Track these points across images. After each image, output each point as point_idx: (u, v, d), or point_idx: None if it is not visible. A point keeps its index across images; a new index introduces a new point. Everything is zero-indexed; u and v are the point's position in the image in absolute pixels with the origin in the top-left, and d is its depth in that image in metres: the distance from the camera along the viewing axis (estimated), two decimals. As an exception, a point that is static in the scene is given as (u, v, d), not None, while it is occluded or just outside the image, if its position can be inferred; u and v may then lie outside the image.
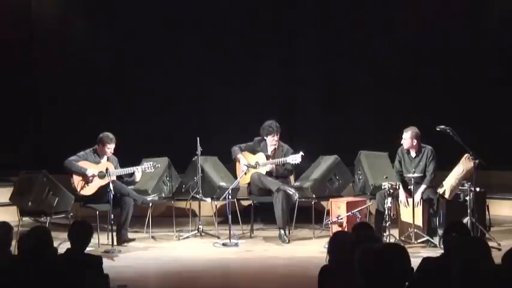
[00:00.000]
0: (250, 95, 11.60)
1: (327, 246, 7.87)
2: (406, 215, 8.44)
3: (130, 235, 8.87)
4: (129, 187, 8.98)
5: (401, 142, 8.57)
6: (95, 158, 8.85)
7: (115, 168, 8.84)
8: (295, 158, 8.91)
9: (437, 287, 4.30)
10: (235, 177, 9.25)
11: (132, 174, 8.93)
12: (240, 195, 9.67)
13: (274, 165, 9.08)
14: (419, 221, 8.35)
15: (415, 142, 8.50)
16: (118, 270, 7.15)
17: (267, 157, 9.21)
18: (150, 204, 9.16)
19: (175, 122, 11.57)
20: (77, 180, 8.73)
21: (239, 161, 9.22)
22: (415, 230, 8.25)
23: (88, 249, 5.86)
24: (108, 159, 8.89)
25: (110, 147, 8.82)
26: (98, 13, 11.82)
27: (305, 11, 11.93)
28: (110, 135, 8.85)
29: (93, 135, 9.02)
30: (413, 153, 8.59)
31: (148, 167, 8.91)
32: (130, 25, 11.74)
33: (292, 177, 9.60)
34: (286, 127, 9.30)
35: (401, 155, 8.68)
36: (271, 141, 9.16)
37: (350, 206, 8.56)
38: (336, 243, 4.53)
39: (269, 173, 9.10)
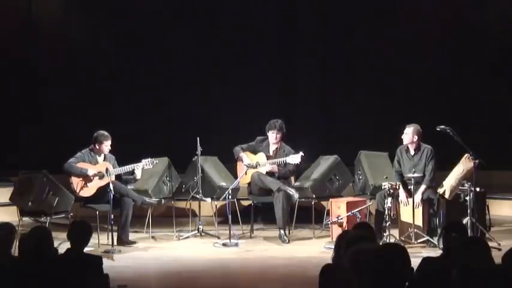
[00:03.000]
0: (251, 95, 11.60)
1: (327, 246, 7.86)
2: (406, 215, 8.44)
3: (131, 235, 8.86)
4: (130, 186, 8.98)
5: (402, 137, 8.57)
6: (91, 157, 8.84)
7: (113, 167, 8.85)
8: (295, 158, 8.91)
9: (437, 287, 4.30)
10: (236, 177, 9.25)
11: (131, 173, 8.92)
12: (240, 195, 9.66)
13: (276, 166, 9.07)
14: (419, 221, 8.34)
15: (415, 138, 8.50)
16: (118, 270, 7.15)
17: (268, 157, 9.20)
18: (150, 205, 9.19)
19: (175, 122, 11.57)
20: (75, 182, 8.72)
21: (242, 160, 9.21)
22: (415, 230, 8.25)
23: (88, 249, 5.88)
24: (105, 158, 8.89)
25: (107, 144, 8.84)
26: (98, 13, 11.81)
27: (305, 11, 11.92)
28: (105, 132, 8.87)
29: (93, 134, 9.01)
30: (412, 151, 8.59)
31: (147, 164, 8.90)
32: (130, 25, 11.74)
33: (292, 177, 9.60)
34: (286, 127, 9.29)
35: (399, 154, 8.68)
36: (272, 138, 9.16)
37: (350, 206, 8.55)
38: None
39: (271, 174, 9.09)
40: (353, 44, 11.73)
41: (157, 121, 11.63)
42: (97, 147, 8.84)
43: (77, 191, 8.71)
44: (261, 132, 9.31)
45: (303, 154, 8.92)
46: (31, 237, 4.97)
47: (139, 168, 8.86)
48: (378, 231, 7.77)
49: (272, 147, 9.25)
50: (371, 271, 3.51)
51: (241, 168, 9.22)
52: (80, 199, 8.82)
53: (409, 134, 8.52)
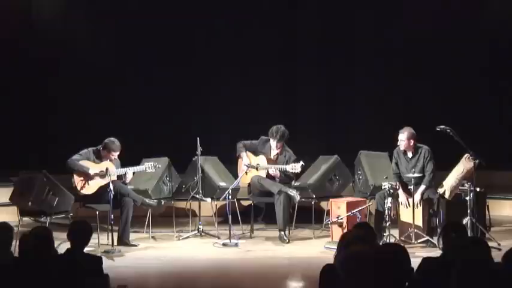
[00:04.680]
0: (251, 95, 11.60)
1: (327, 246, 7.86)
2: (406, 215, 8.45)
3: (131, 236, 8.84)
4: (130, 186, 8.98)
5: (398, 144, 8.57)
6: (95, 158, 8.84)
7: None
8: (295, 167, 8.85)
9: (437, 287, 4.30)
10: (236, 177, 9.25)
11: (121, 177, 8.88)
12: (240, 195, 9.66)
13: (278, 172, 9.01)
14: (419, 221, 8.35)
15: (411, 143, 8.51)
16: (118, 270, 7.16)
17: (268, 160, 9.18)
18: (149, 205, 9.18)
19: (175, 122, 11.57)
20: (77, 180, 8.72)
21: (242, 158, 9.21)
22: (415, 230, 8.25)
23: (88, 249, 5.87)
24: (110, 160, 8.87)
25: (115, 155, 8.81)
26: (98, 13, 11.81)
27: (305, 11, 11.93)
28: (116, 142, 8.79)
29: (93, 135, 9.02)
30: (409, 154, 8.59)
31: (149, 167, 8.90)
32: (131, 25, 11.73)
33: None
34: (287, 127, 9.28)
35: (397, 156, 8.67)
36: (273, 145, 9.15)
37: (350, 206, 8.55)
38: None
39: (272, 178, 9.07)
40: (353, 43, 11.73)
41: (157, 121, 11.63)
42: (105, 153, 8.81)
43: (78, 188, 8.71)
44: (262, 132, 9.30)
45: (303, 164, 8.88)
46: (32, 237, 4.97)
47: (130, 170, 8.84)
48: (378, 231, 7.76)
49: (273, 152, 9.23)
50: (362, 274, 3.53)
51: (242, 166, 9.21)
52: (80, 198, 8.81)
53: (404, 141, 8.49)
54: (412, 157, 8.57)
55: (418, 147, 8.55)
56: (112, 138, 8.81)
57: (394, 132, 8.77)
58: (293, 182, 9.49)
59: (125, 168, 8.83)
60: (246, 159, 9.16)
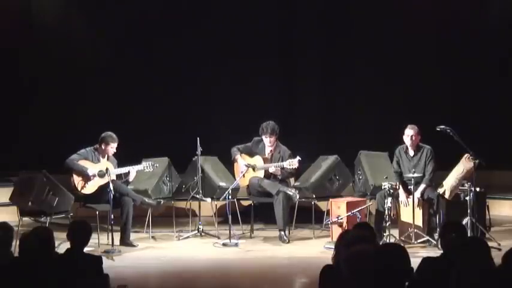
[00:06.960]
0: (251, 94, 11.60)
1: (327, 246, 7.87)
2: (406, 215, 8.45)
3: (131, 236, 8.84)
4: (129, 186, 8.98)
5: (404, 139, 8.55)
6: (95, 157, 8.84)
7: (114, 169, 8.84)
8: (292, 163, 8.87)
9: (437, 287, 4.30)
10: (235, 178, 9.25)
11: (125, 175, 8.90)
12: (240, 195, 9.66)
13: (279, 169, 9.01)
14: (419, 221, 8.35)
15: (418, 138, 8.51)
16: (118, 270, 7.16)
17: (264, 160, 9.19)
18: (149, 205, 9.18)
19: (176, 122, 11.56)
20: (77, 180, 8.73)
21: (237, 162, 9.22)
22: (415, 230, 8.25)
23: (88, 249, 5.87)
24: (108, 159, 8.89)
25: (113, 147, 8.83)
26: (97, 12, 11.80)
27: (305, 10, 11.92)
28: (113, 134, 8.84)
29: (93, 134, 9.01)
30: (411, 152, 8.59)
31: (147, 166, 8.91)
32: (130, 24, 11.73)
33: (292, 178, 9.59)
34: (286, 127, 9.29)
35: (399, 155, 8.67)
36: (266, 142, 9.16)
37: (350, 206, 8.55)
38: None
39: (272, 175, 9.06)
40: (354, 43, 11.72)
41: (157, 121, 11.62)
42: (102, 147, 8.83)
43: (78, 188, 8.71)
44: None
45: (300, 159, 8.89)
46: (33, 237, 4.97)
47: (134, 169, 8.85)
48: (378, 231, 7.77)
49: (268, 149, 9.24)
50: (367, 272, 3.52)
51: (238, 169, 9.22)
52: (81, 199, 8.81)
53: (413, 135, 8.48)
54: (413, 156, 8.58)
55: (420, 147, 8.56)
56: (108, 132, 8.85)
57: (394, 132, 8.77)
58: (292, 181, 9.50)
59: (128, 167, 8.83)
60: (242, 160, 9.17)
